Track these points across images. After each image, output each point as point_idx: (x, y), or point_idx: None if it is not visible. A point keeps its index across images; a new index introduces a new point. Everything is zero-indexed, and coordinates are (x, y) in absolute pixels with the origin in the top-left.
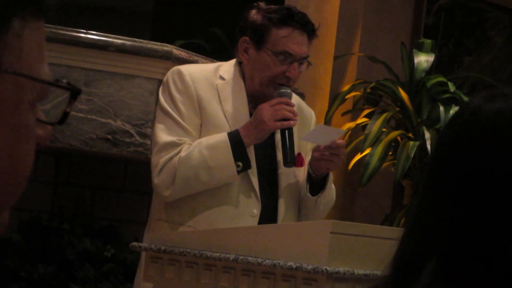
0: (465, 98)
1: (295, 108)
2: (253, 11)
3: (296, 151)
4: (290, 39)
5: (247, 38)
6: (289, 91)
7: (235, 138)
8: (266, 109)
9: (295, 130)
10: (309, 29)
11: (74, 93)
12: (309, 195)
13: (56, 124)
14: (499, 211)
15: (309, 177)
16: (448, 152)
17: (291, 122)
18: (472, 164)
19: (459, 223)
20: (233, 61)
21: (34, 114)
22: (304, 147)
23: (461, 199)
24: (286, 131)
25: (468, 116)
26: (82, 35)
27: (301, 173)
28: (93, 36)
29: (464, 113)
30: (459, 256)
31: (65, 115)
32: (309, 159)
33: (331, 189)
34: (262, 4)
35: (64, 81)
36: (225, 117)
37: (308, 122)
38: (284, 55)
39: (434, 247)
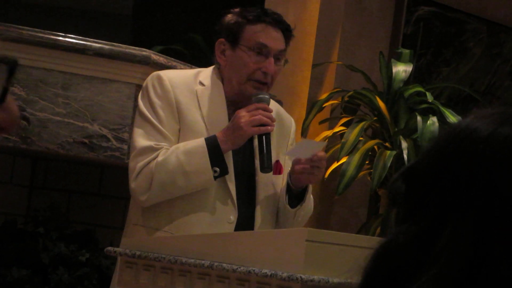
0: (443, 109)
1: (274, 115)
2: (229, 15)
3: (274, 158)
4: (264, 33)
5: (223, 39)
6: (267, 96)
7: (212, 144)
8: (243, 115)
9: (274, 137)
10: (283, 26)
11: (11, 67)
12: (288, 207)
13: None
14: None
15: (289, 189)
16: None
17: (269, 127)
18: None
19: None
20: (212, 67)
21: None
22: (283, 155)
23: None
24: (263, 137)
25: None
26: (60, 38)
27: (280, 180)
28: (71, 39)
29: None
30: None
31: (4, 91)
32: (288, 169)
33: (310, 200)
34: (237, 9)
35: None
36: (204, 122)
37: (288, 130)
38: (259, 48)
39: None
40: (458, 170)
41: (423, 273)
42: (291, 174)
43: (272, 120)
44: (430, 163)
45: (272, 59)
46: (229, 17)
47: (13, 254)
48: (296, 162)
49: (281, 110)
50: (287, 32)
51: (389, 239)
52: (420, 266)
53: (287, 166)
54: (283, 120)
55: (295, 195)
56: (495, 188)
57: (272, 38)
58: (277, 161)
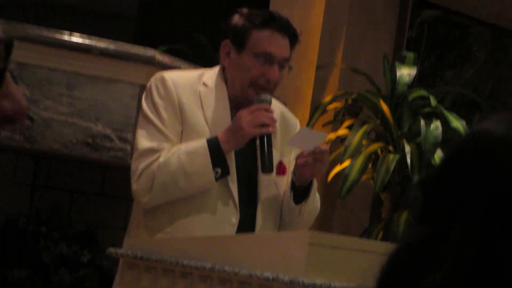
0: (446, 113)
1: (279, 116)
2: (236, 16)
3: (278, 159)
4: (270, 41)
5: (228, 41)
6: (268, 97)
7: (213, 144)
8: (244, 115)
9: (278, 138)
10: (290, 32)
11: (7, 46)
12: (293, 204)
13: None
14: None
15: (293, 185)
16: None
17: (270, 128)
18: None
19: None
20: (217, 68)
21: None
22: (288, 156)
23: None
24: (265, 138)
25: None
26: (65, 37)
27: (283, 182)
28: (76, 38)
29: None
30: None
31: (2, 71)
32: (292, 168)
33: (315, 197)
34: (245, 10)
35: None
36: (207, 123)
37: (293, 130)
38: (264, 56)
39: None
40: (470, 171)
41: (431, 274)
42: (295, 169)
43: (274, 120)
44: (443, 165)
45: (276, 67)
46: (236, 19)
47: (15, 254)
48: (298, 156)
49: (286, 111)
50: (293, 37)
51: (403, 242)
52: (430, 267)
53: (291, 166)
54: (288, 120)
55: (300, 193)
56: (506, 188)
57: (278, 45)
58: (281, 162)
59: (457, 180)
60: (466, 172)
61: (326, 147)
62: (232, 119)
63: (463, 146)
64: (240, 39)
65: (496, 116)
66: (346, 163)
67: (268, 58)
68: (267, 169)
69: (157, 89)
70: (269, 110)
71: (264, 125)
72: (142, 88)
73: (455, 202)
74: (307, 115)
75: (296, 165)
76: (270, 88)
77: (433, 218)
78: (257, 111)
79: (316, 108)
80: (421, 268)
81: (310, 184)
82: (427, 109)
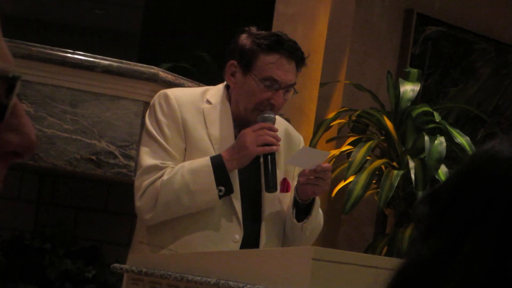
0: (450, 128)
1: (282, 133)
2: (244, 36)
3: (282, 176)
4: (277, 66)
5: (235, 62)
6: (272, 115)
7: (217, 163)
8: (248, 134)
9: (282, 155)
10: (297, 57)
11: (10, 85)
12: (295, 221)
13: None
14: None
15: (295, 202)
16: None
17: (274, 147)
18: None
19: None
20: (221, 85)
21: None
22: (291, 172)
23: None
24: (269, 156)
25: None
26: (69, 55)
27: (287, 198)
28: (79, 56)
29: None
30: None
31: (3, 108)
32: (295, 184)
33: (317, 215)
34: (253, 29)
35: None
36: (210, 141)
37: (296, 147)
38: (270, 81)
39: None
40: (480, 187)
41: (443, 286)
42: (297, 187)
43: (278, 139)
44: (452, 182)
45: (281, 93)
46: (243, 40)
47: (20, 270)
48: (300, 174)
49: (290, 128)
50: (300, 61)
51: (411, 257)
52: (441, 282)
53: (295, 182)
54: (292, 137)
55: (302, 210)
56: None
57: (284, 71)
58: (285, 179)
59: (468, 197)
60: (478, 190)
61: (328, 165)
62: (235, 137)
63: (474, 165)
64: (246, 62)
65: (505, 136)
66: (350, 179)
67: (274, 84)
68: (271, 188)
69: (161, 106)
70: (273, 129)
71: (268, 144)
72: (146, 105)
73: (466, 218)
74: (311, 131)
75: (298, 183)
76: (273, 112)
77: (442, 233)
78: (261, 130)
79: (320, 124)
80: (431, 283)
81: (312, 201)
82: (431, 125)
